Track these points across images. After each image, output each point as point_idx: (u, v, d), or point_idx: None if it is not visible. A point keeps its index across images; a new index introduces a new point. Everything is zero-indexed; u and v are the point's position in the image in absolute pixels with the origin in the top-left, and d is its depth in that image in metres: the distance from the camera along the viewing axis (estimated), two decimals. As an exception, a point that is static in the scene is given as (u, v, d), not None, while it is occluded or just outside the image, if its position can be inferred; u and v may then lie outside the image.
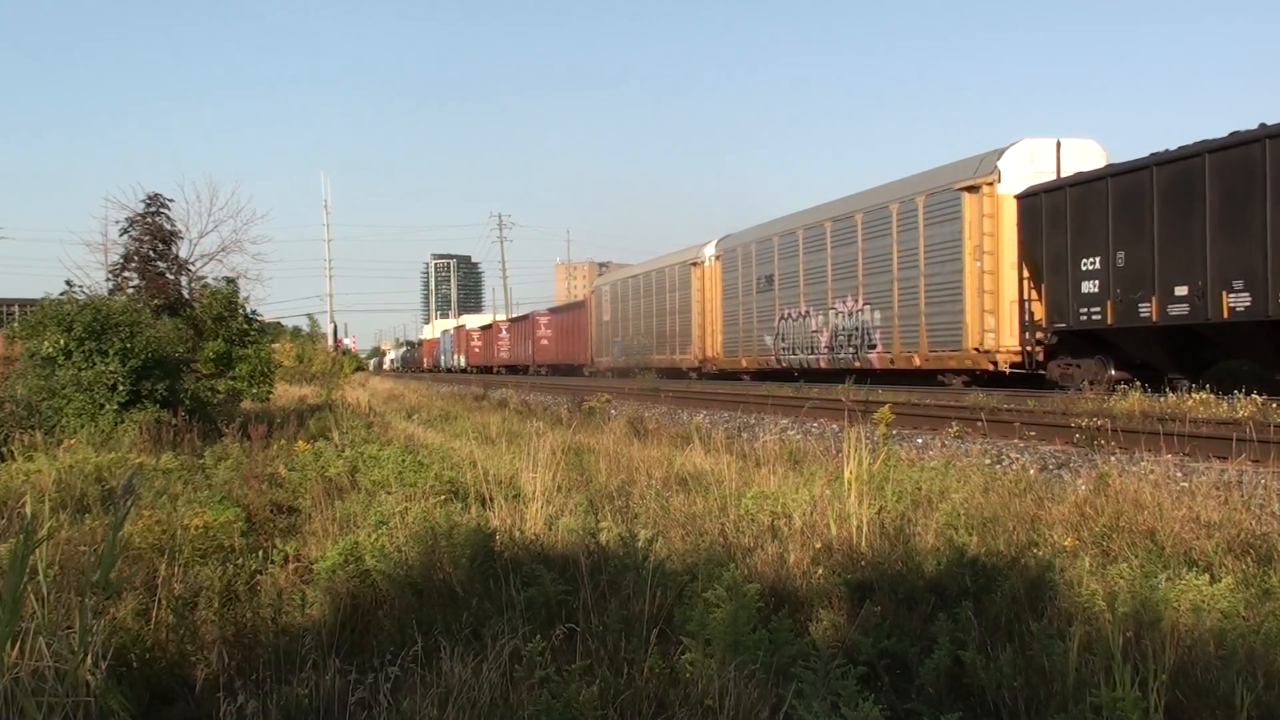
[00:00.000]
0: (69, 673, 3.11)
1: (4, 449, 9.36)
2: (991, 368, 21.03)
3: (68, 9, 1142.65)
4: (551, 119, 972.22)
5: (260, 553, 5.32)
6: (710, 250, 35.94)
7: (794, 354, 29.21)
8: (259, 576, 4.93)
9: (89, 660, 3.20)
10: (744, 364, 32.60)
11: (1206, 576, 4.22)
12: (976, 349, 21.32)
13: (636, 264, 45.33)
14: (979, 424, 11.79)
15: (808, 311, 28.38)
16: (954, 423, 12.25)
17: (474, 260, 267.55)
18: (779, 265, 30.25)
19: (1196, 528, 5.37)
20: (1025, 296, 20.05)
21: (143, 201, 16.91)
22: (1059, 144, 20.92)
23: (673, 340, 38.75)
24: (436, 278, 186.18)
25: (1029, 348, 19.90)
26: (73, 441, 9.64)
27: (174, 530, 5.35)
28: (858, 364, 25.23)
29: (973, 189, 21.43)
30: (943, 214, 22.39)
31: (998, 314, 20.89)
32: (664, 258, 41.42)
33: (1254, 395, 12.15)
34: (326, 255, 64.32)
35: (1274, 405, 11.93)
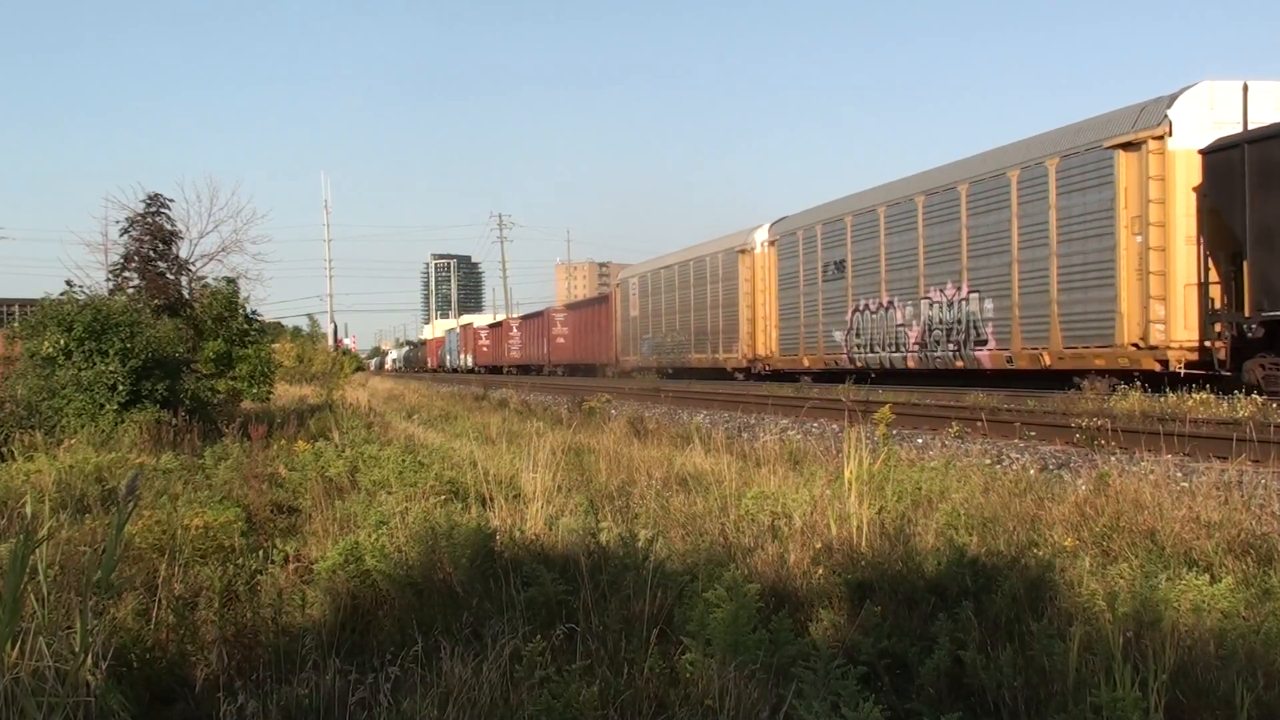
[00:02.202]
0: (69, 673, 3.11)
1: (4, 449, 9.36)
2: (1159, 367, 16.84)
3: (68, 8, 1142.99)
4: (552, 118, 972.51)
5: (260, 553, 5.32)
6: (762, 235, 31.88)
7: (871, 351, 25.32)
8: (259, 576, 4.93)
9: (89, 660, 3.20)
10: (805, 363, 28.65)
11: (1207, 576, 4.22)
12: (1136, 344, 17.21)
13: (670, 253, 41.10)
14: (979, 424, 11.80)
15: (891, 302, 24.46)
16: (954, 423, 12.26)
17: (474, 260, 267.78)
18: (853, 249, 26.26)
19: (1197, 528, 5.37)
20: (1206, 278, 16.06)
21: (143, 201, 16.91)
22: (1245, 87, 16.82)
23: (715, 338, 34.71)
24: (436, 278, 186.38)
25: (1212, 342, 15.86)
26: (73, 441, 9.65)
27: (174, 530, 5.35)
28: (960, 363, 21.88)
29: (1131, 146, 17.40)
30: (1085, 178, 18.34)
31: (1168, 301, 16.66)
32: (704, 245, 37.13)
33: (1254, 395, 12.15)
34: (326, 255, 64.25)
35: (1274, 405, 11.93)
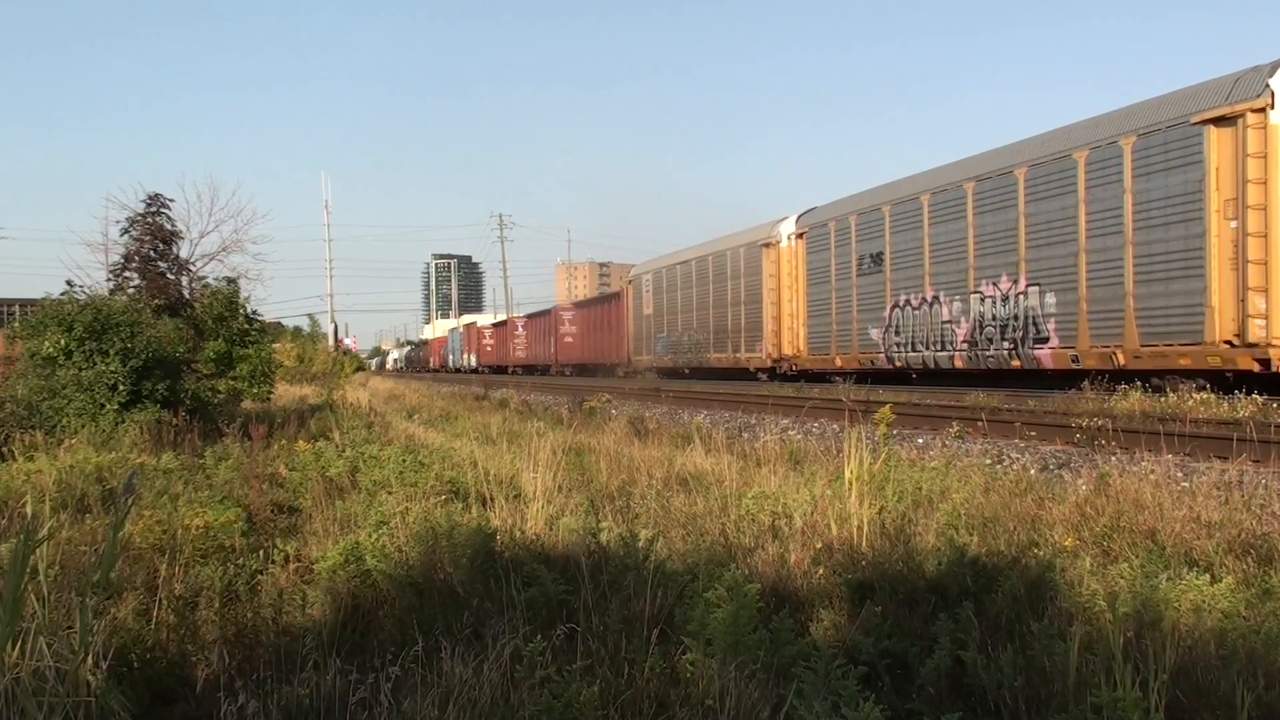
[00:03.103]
0: (69, 673, 3.11)
1: (4, 449, 9.36)
2: (1257, 367, 15.21)
3: (68, 8, 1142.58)
4: (552, 118, 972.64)
5: (261, 553, 5.32)
6: (788, 227, 29.81)
7: (913, 350, 23.41)
8: (260, 576, 4.93)
9: (89, 660, 3.20)
10: (838, 363, 26.64)
11: (1207, 576, 4.21)
12: (1230, 341, 15.53)
13: (686, 248, 38.72)
14: (979, 424, 11.80)
15: (936, 297, 22.54)
16: (954, 423, 12.25)
17: (474, 260, 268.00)
18: (892, 240, 24.36)
19: (1197, 528, 5.37)
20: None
21: (143, 201, 16.92)
22: None
23: (736, 336, 32.61)
24: (437, 278, 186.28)
25: None
26: (73, 441, 9.65)
27: (174, 530, 5.35)
28: (1016, 363, 20.13)
29: (1224, 120, 15.66)
30: (1168, 158, 16.63)
31: (1270, 293, 14.96)
32: (723, 239, 34.97)
33: (1254, 395, 12.15)
34: (327, 255, 64.28)
35: (1274, 405, 11.93)
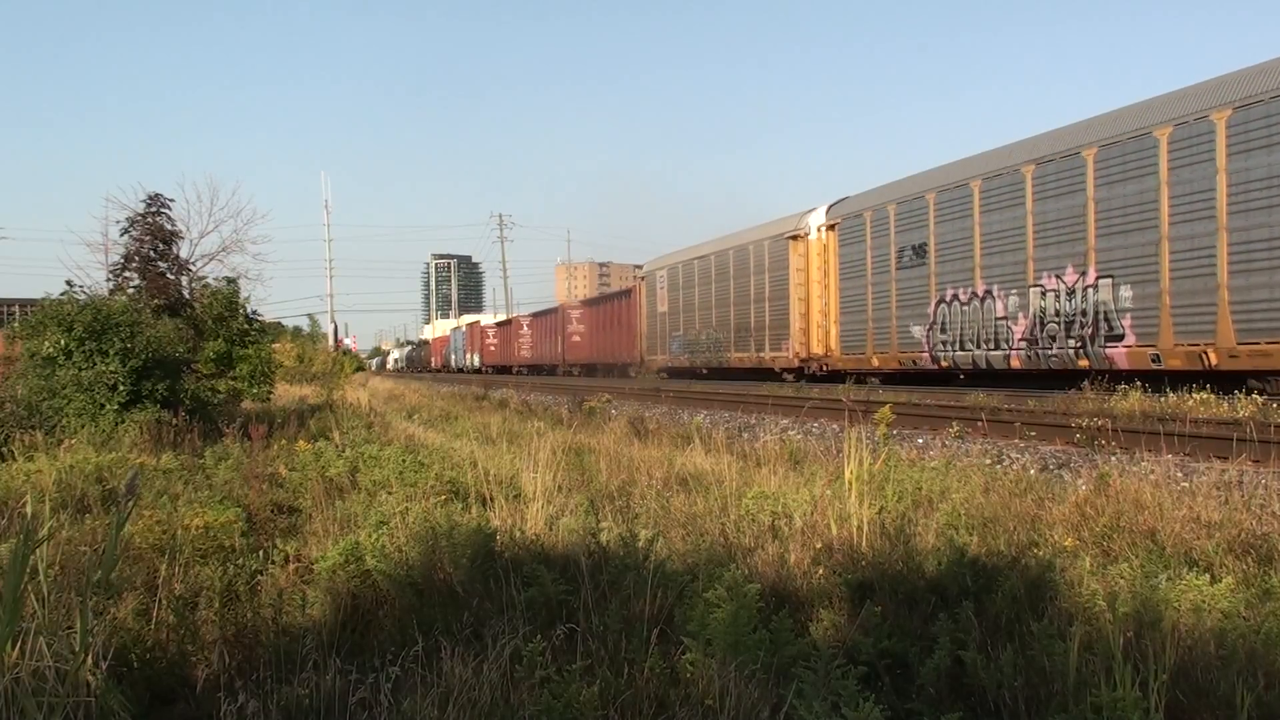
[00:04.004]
0: (69, 673, 3.11)
1: (4, 449, 9.36)
2: None
3: (68, 8, 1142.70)
4: (552, 118, 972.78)
5: (261, 553, 5.33)
6: (818, 219, 28.15)
7: (961, 349, 21.70)
8: (259, 576, 4.93)
9: (89, 660, 3.20)
10: (875, 363, 25.03)
11: (1207, 576, 4.21)
12: None
13: (705, 242, 36.89)
14: (979, 424, 11.80)
15: (989, 291, 20.85)
16: (954, 423, 12.25)
17: (474, 260, 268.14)
18: (937, 230, 22.55)
19: (1197, 528, 5.37)
20: None
21: (143, 201, 16.94)
22: None
23: (759, 334, 30.79)
24: (437, 278, 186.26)
25: None
26: (73, 441, 9.65)
27: (174, 530, 5.36)
28: (1084, 362, 18.40)
29: None
30: (1271, 133, 15.09)
31: None
32: (746, 232, 33.10)
33: (1254, 395, 12.15)
34: (327, 255, 64.33)
35: (1274, 405, 11.93)
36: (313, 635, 4.05)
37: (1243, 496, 6.12)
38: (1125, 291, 17.61)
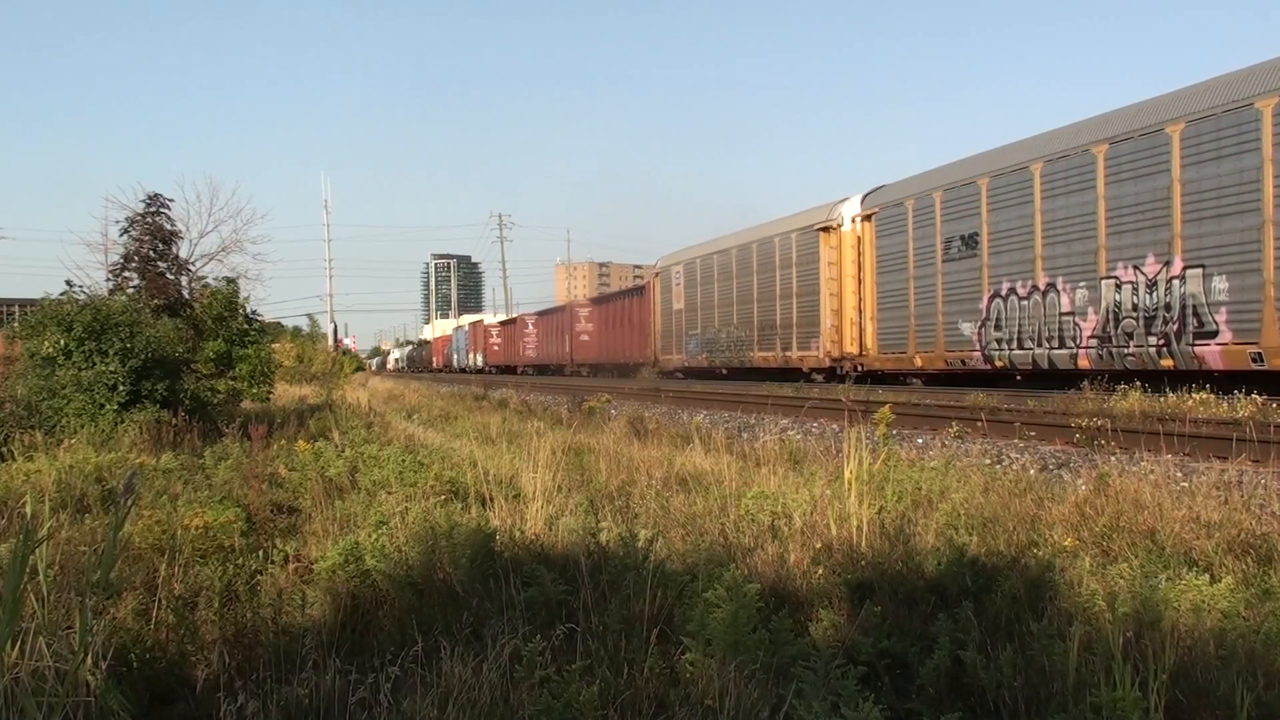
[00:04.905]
0: (69, 673, 3.11)
1: (4, 449, 9.36)
2: None
3: (68, 7, 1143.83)
4: (552, 118, 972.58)
5: (260, 553, 5.32)
6: (852, 208, 26.46)
7: (1019, 347, 19.94)
8: (259, 576, 4.93)
9: (89, 660, 3.20)
10: (918, 363, 23.29)
11: (1206, 576, 4.22)
12: None
13: (724, 235, 34.98)
14: (979, 424, 11.80)
15: (1051, 284, 19.08)
16: (954, 423, 12.26)
17: (474, 260, 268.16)
18: (990, 219, 20.81)
19: (1196, 528, 5.37)
20: None
21: (143, 201, 16.96)
22: None
23: (786, 333, 29.01)
24: (436, 278, 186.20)
25: None
26: (73, 441, 9.65)
27: (174, 530, 5.36)
28: (1168, 362, 16.57)
29: None
30: None
31: None
32: (770, 224, 31.32)
33: (1254, 395, 12.15)
34: (326, 255, 64.31)
35: (1274, 405, 11.93)
36: (312, 635, 4.05)
37: (1242, 496, 6.12)
38: (1219, 283, 15.71)
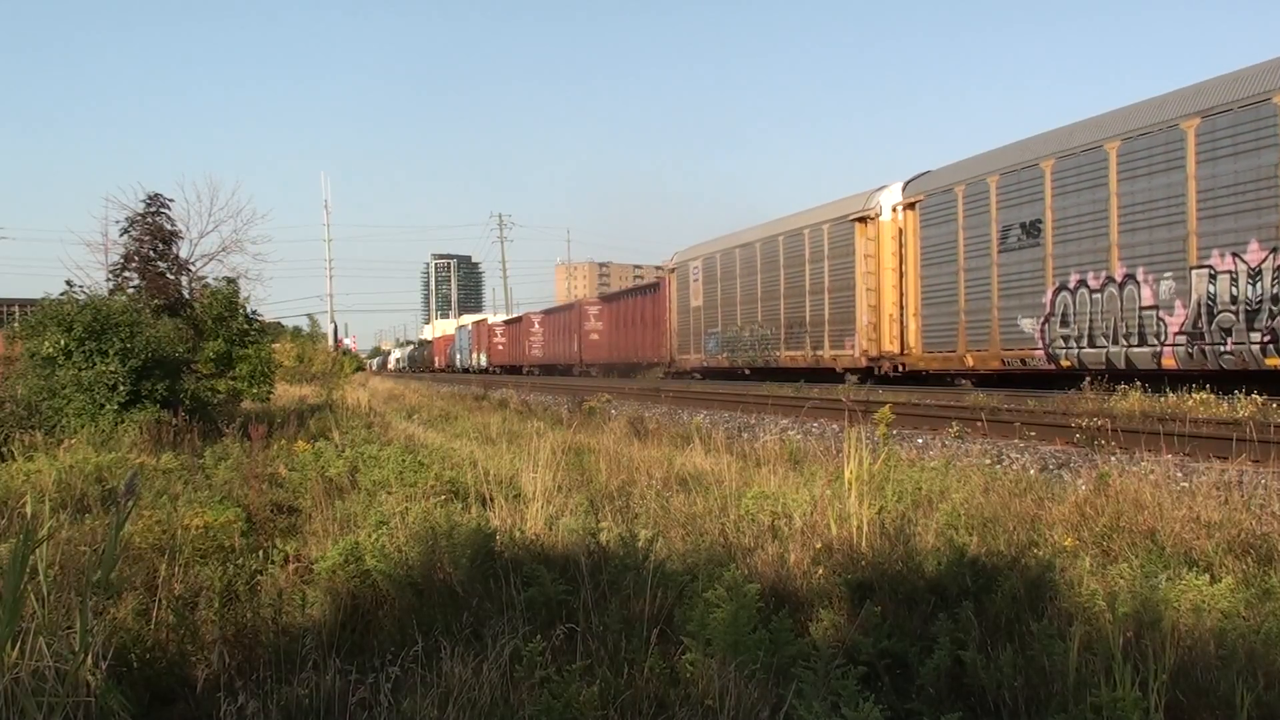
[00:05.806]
0: (69, 673, 3.11)
1: (4, 449, 9.36)
2: None
3: (68, 7, 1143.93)
4: (552, 118, 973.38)
5: (260, 553, 5.32)
6: (892, 196, 24.45)
7: (1091, 345, 18.13)
8: (259, 576, 4.93)
9: (89, 660, 3.20)
10: (969, 362, 21.46)
11: (1207, 576, 4.22)
12: None
13: (748, 228, 32.76)
14: (979, 424, 11.80)
15: (1130, 275, 17.22)
16: (954, 423, 12.25)
17: (474, 260, 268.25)
18: (1055, 204, 18.91)
19: (1197, 528, 5.38)
20: None
21: (143, 201, 16.95)
22: None
23: (817, 330, 27.07)
24: (437, 277, 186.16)
25: None
26: (73, 441, 9.65)
27: (174, 530, 5.36)
28: (1273, 361, 14.74)
29: None
30: None
31: None
32: (799, 215, 29.09)
33: (1254, 395, 12.14)
34: (327, 255, 64.25)
35: (1274, 405, 11.93)
36: (312, 635, 4.05)
37: (1242, 496, 6.12)
38: None
